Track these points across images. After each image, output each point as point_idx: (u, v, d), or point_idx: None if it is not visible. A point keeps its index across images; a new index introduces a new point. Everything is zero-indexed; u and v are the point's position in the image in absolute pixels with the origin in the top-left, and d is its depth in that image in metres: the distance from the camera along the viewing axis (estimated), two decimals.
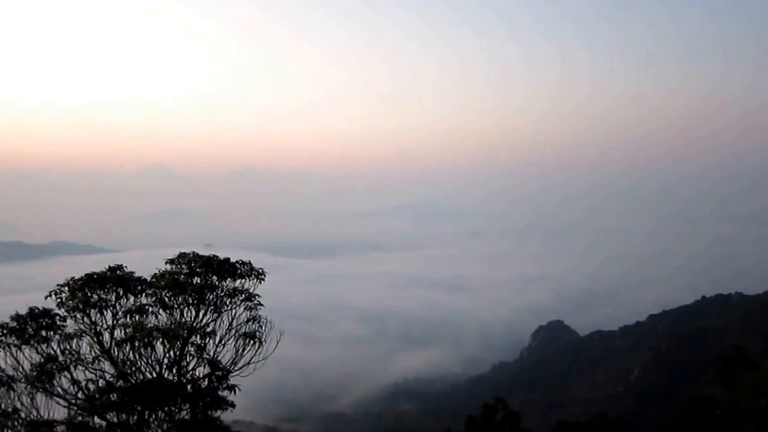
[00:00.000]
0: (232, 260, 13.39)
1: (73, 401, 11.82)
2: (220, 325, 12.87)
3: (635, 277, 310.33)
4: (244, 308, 12.98)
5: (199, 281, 13.07)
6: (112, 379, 12.13)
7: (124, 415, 11.92)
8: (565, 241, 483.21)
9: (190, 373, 12.54)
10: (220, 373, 12.49)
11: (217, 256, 13.45)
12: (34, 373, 11.58)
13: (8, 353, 11.72)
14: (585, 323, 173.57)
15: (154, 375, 12.29)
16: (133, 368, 12.24)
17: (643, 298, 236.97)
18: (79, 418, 11.74)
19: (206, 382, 12.54)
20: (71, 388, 11.80)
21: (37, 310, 11.98)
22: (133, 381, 12.20)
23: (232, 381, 12.55)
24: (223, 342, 12.74)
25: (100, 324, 12.28)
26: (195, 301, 12.88)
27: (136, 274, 12.97)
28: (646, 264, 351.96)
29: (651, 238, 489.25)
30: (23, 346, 11.79)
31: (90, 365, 12.01)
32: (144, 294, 12.83)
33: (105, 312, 12.32)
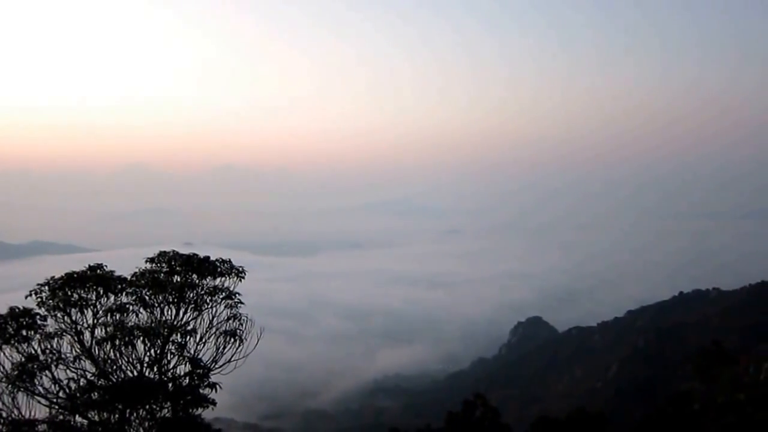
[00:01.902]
0: (212, 258, 13.47)
1: (55, 400, 11.80)
2: (200, 324, 12.89)
3: (615, 273, 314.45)
4: (225, 306, 13.02)
5: (179, 280, 13.08)
6: (93, 377, 12.12)
7: (105, 414, 11.91)
8: (546, 238, 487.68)
9: (171, 371, 12.57)
10: (200, 371, 12.55)
11: (197, 255, 13.48)
12: (15, 373, 11.54)
13: None
14: (565, 319, 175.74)
15: (135, 373, 12.31)
16: (114, 367, 12.24)
17: (622, 294, 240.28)
18: (61, 417, 11.71)
19: (187, 380, 12.59)
20: (52, 387, 11.78)
21: (17, 310, 11.94)
22: (114, 379, 12.21)
23: (213, 379, 12.60)
24: (203, 340, 12.76)
25: (81, 323, 12.26)
26: (175, 300, 12.90)
27: (117, 273, 12.96)
28: (626, 260, 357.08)
29: (632, 234, 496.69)
30: (4, 346, 11.75)
31: (71, 364, 12.00)
32: (124, 293, 12.83)
33: (85, 311, 12.30)
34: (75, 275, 12.46)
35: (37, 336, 11.98)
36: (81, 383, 11.99)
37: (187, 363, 12.51)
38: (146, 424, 12.25)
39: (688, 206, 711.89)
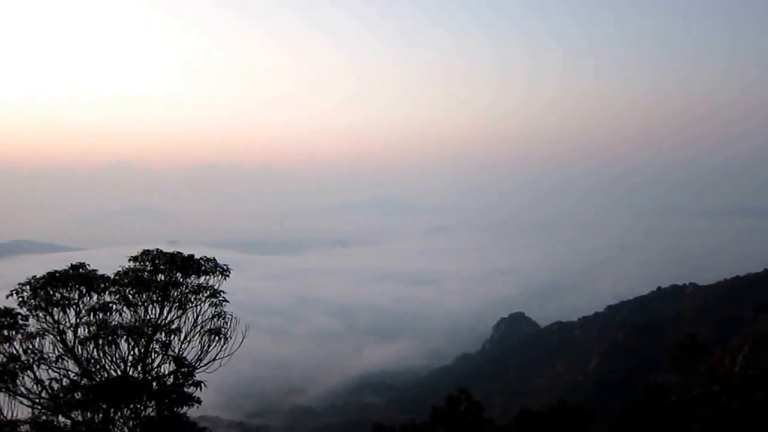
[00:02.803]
0: (197, 257, 13.48)
1: (37, 400, 11.74)
2: (185, 322, 12.86)
3: (596, 269, 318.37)
4: (209, 305, 13.00)
5: (163, 278, 13.03)
6: (76, 377, 12.05)
7: (89, 414, 11.86)
8: (531, 236, 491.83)
9: (156, 370, 12.54)
10: (185, 369, 12.56)
11: (181, 253, 13.43)
12: None
13: None
14: (547, 315, 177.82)
15: (119, 373, 12.26)
16: (98, 366, 12.17)
17: (602, 290, 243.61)
18: (44, 418, 11.66)
19: (172, 379, 12.61)
20: (34, 387, 11.71)
21: None
22: (97, 379, 12.15)
23: (198, 377, 12.59)
24: (188, 339, 12.73)
25: (63, 322, 12.18)
26: (159, 298, 12.86)
27: (100, 272, 12.89)
28: (606, 257, 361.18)
29: (612, 231, 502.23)
30: None
31: (53, 364, 11.92)
32: (107, 292, 12.75)
33: (68, 310, 12.22)
34: (57, 274, 12.38)
35: (19, 336, 11.89)
36: (64, 383, 11.92)
37: (172, 362, 12.50)
38: (130, 423, 12.23)
39: (666, 205, 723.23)
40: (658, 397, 33.37)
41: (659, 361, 75.94)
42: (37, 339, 11.99)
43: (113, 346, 12.17)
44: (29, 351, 11.85)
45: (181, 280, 13.12)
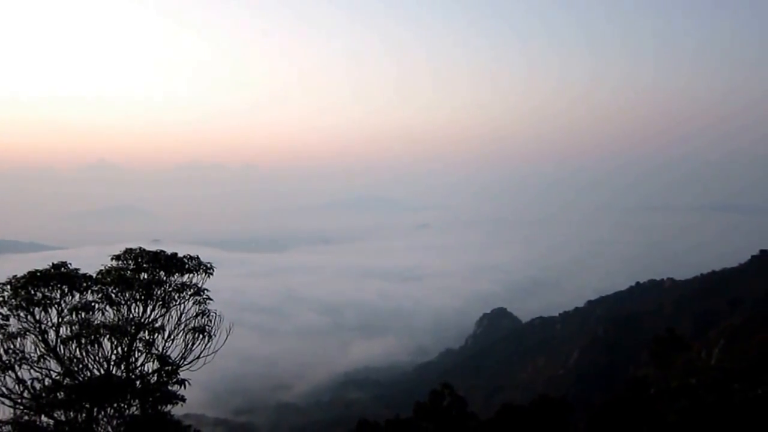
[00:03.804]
0: (180, 255, 13.48)
1: (19, 401, 11.67)
2: (168, 320, 12.83)
3: (584, 266, 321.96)
4: (193, 303, 12.99)
5: (146, 277, 13.00)
6: (58, 377, 12.00)
7: (71, 413, 11.83)
8: (513, 232, 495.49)
9: (139, 368, 12.51)
10: (169, 367, 12.57)
11: (164, 251, 13.39)
12: None
13: None
14: (528, 310, 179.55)
15: (102, 372, 12.22)
16: (80, 366, 12.11)
17: (582, 285, 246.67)
18: (26, 418, 11.61)
19: (156, 378, 12.61)
20: (16, 387, 11.63)
21: None
22: (80, 378, 12.11)
23: (184, 375, 12.60)
24: (172, 337, 12.71)
25: (45, 322, 12.10)
26: (142, 297, 12.82)
27: (82, 271, 12.82)
28: (600, 254, 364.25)
29: (613, 228, 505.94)
30: None
31: (35, 364, 11.85)
32: (90, 291, 12.68)
33: (49, 310, 12.13)
34: (38, 273, 12.28)
35: (0, 336, 11.85)
36: (46, 383, 11.85)
37: (156, 360, 12.49)
38: (114, 422, 12.22)
39: (654, 202, 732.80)
40: (637, 390, 34.04)
41: (639, 354, 77.28)
42: (19, 339, 11.90)
43: (96, 345, 12.12)
44: (10, 351, 11.76)
45: (165, 278, 13.09)
